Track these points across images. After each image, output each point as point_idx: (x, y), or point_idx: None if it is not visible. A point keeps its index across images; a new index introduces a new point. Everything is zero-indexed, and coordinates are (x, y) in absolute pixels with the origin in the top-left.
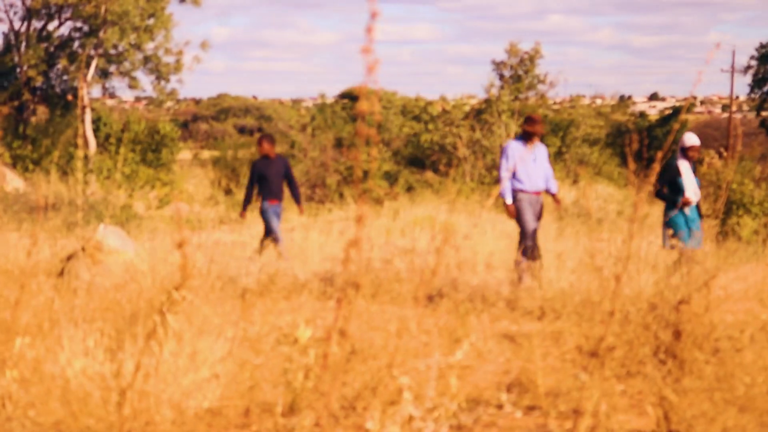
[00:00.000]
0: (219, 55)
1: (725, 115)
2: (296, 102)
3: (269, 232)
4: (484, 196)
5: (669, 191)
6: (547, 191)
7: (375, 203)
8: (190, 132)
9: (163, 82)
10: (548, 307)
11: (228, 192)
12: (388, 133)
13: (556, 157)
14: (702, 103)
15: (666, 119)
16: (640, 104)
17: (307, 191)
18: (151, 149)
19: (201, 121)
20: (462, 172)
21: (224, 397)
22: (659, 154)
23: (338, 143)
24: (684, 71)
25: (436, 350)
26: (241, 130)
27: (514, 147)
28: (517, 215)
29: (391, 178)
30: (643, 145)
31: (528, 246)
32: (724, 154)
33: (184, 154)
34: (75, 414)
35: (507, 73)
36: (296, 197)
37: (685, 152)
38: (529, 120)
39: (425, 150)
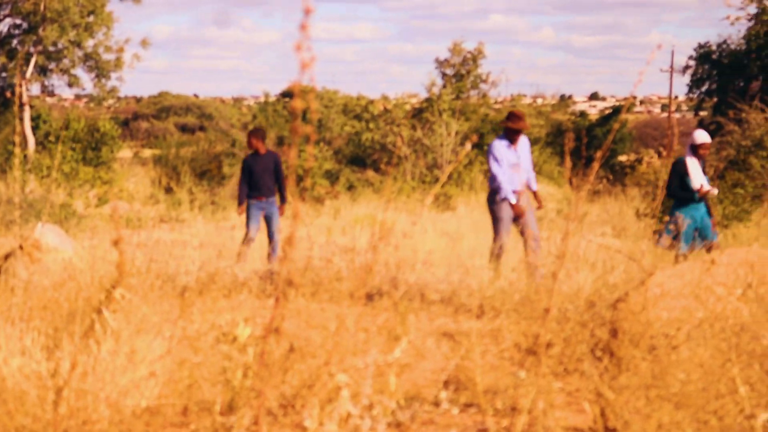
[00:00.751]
0: (160, 53)
1: (664, 114)
2: (238, 100)
3: (246, 231)
4: (425, 194)
5: (678, 189)
6: (528, 187)
7: (316, 202)
8: (131, 130)
9: (103, 80)
10: (487, 305)
11: (168, 190)
12: (330, 132)
13: None
14: (642, 102)
15: (606, 119)
16: (581, 104)
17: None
18: (91, 147)
19: (142, 120)
20: (403, 171)
21: (162, 396)
22: (598, 154)
23: (280, 142)
24: (624, 71)
25: (374, 348)
26: (182, 129)
27: (500, 148)
28: (494, 217)
29: (332, 177)
30: (581, 144)
31: (500, 253)
32: (663, 153)
33: (125, 152)
34: (11, 413)
35: (450, 72)
36: (282, 195)
37: (696, 150)
38: (512, 116)
39: (366, 149)
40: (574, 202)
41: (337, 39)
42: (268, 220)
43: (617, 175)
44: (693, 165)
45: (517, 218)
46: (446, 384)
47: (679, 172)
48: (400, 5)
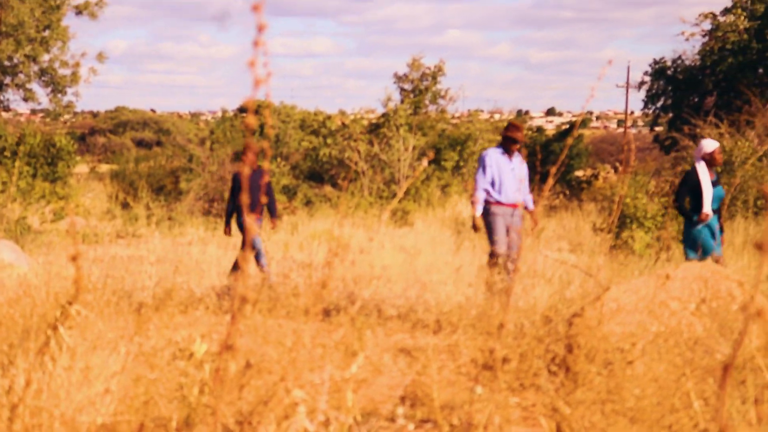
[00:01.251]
0: (117, 68)
1: (621, 130)
2: (195, 115)
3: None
4: (382, 210)
5: (691, 201)
6: (525, 208)
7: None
8: (88, 145)
9: (59, 95)
10: (444, 321)
11: (125, 206)
12: (287, 147)
13: (454, 171)
14: (598, 118)
15: (563, 134)
16: (537, 119)
17: (204, 205)
18: (47, 162)
19: (98, 135)
20: (360, 186)
21: (118, 413)
22: (553, 169)
23: (237, 157)
24: (581, 87)
25: (331, 364)
26: (139, 144)
27: (492, 155)
28: (488, 229)
29: (289, 192)
30: (537, 159)
31: (497, 262)
32: (619, 168)
33: (81, 167)
34: None
35: (408, 87)
36: (270, 210)
37: (706, 159)
38: (510, 127)
39: (324, 164)
40: (531, 217)
41: (295, 54)
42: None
43: (574, 190)
44: (704, 175)
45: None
46: (403, 399)
47: (690, 183)
48: (358, 20)
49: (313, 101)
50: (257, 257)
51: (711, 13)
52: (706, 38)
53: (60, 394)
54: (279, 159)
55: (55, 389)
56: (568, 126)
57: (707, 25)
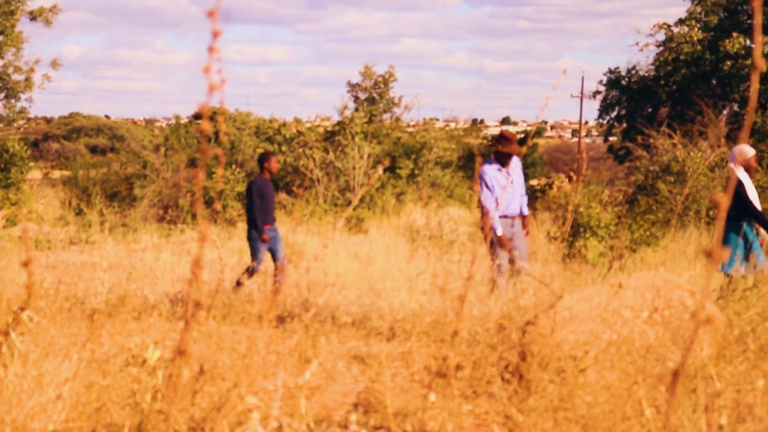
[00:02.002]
0: (71, 74)
1: (575, 139)
2: (150, 122)
3: (255, 261)
4: (337, 217)
5: (733, 206)
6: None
7: (228, 224)
8: (41, 151)
9: (12, 101)
10: (398, 328)
11: (79, 212)
12: (242, 155)
13: (409, 179)
14: (552, 127)
15: (519, 143)
16: (493, 128)
17: (159, 212)
18: (0, 168)
19: (52, 140)
20: (315, 194)
21: (70, 419)
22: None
23: (191, 164)
24: (537, 96)
25: (284, 371)
26: (93, 150)
27: (491, 173)
28: (491, 245)
29: (244, 200)
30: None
31: (498, 269)
32: (573, 177)
33: (34, 173)
34: None
35: (362, 95)
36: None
37: (745, 165)
38: (501, 139)
39: (279, 171)
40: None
41: (251, 61)
42: (276, 245)
43: (528, 199)
44: (747, 181)
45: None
46: (356, 406)
47: (735, 190)
48: (314, 28)
49: (268, 109)
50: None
51: (665, 24)
52: (661, 49)
53: (12, 400)
54: (234, 166)
55: (7, 396)
56: (523, 135)
57: (662, 36)
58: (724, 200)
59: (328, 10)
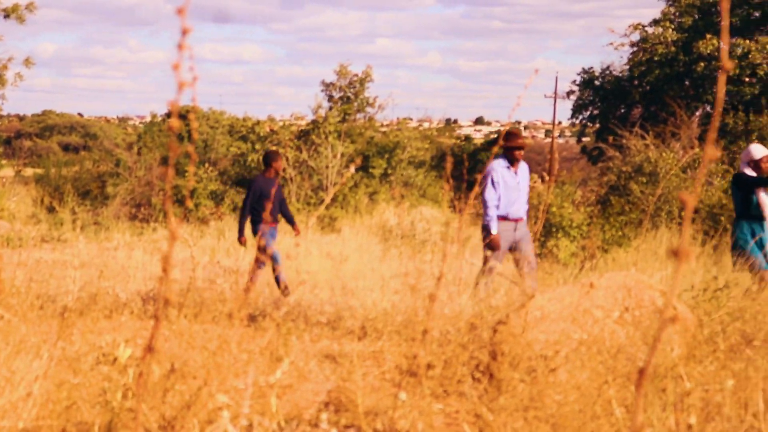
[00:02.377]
0: (45, 72)
1: (548, 140)
2: (123, 120)
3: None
4: (310, 216)
5: (738, 207)
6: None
7: (201, 223)
8: (13, 149)
9: None
10: (370, 327)
11: (51, 210)
12: (215, 153)
13: (382, 178)
14: (526, 128)
15: (491, 143)
16: (466, 128)
17: (131, 210)
18: None
19: (24, 138)
20: (288, 193)
21: (40, 417)
22: (479, 176)
23: (164, 162)
24: (510, 96)
25: (256, 369)
26: (66, 148)
27: (499, 170)
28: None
29: (217, 198)
30: (463, 168)
31: (490, 275)
32: (546, 177)
33: (7, 171)
34: None
35: (336, 94)
36: (289, 218)
37: (756, 165)
38: (508, 135)
39: (252, 170)
40: (457, 225)
41: (225, 60)
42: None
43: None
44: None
45: (513, 248)
46: (327, 405)
47: (749, 187)
48: (288, 28)
49: (242, 107)
50: (275, 270)
51: (640, 24)
52: (635, 49)
53: None
54: (207, 164)
55: None
56: (496, 135)
57: (636, 37)
58: (691, 200)
59: (301, 9)
